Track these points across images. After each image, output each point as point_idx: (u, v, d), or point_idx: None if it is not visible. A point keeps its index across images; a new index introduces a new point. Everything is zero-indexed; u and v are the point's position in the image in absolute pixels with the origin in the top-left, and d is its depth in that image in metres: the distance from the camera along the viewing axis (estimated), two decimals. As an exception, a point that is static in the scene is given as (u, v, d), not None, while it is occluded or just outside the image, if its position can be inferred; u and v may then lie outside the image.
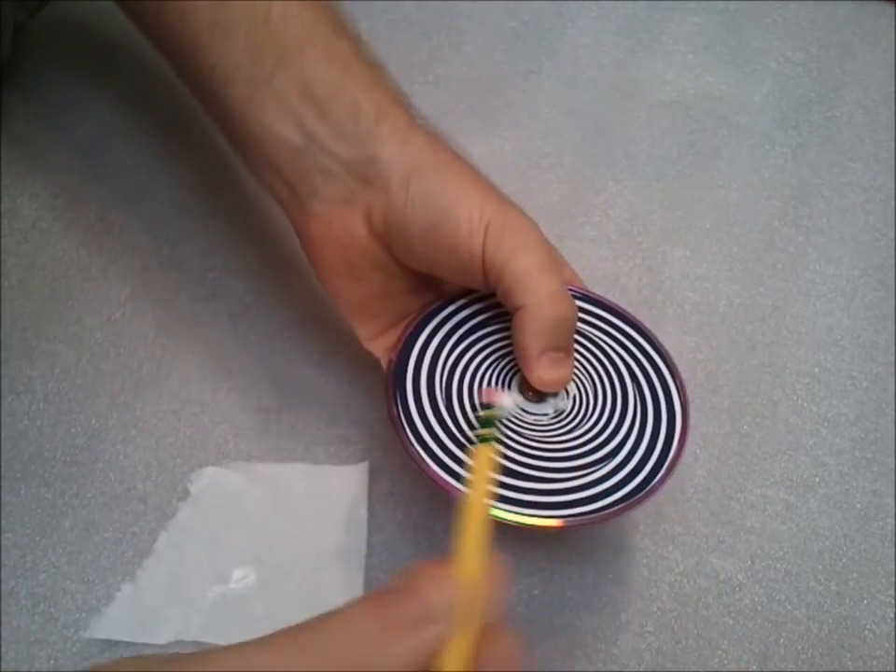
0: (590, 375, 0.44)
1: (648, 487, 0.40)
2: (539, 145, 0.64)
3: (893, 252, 0.60)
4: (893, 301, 0.58)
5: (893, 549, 0.49)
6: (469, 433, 0.41)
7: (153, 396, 0.52)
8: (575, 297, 0.45)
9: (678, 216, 0.61)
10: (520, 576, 0.47)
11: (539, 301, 0.40)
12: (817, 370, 0.55)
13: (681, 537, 0.49)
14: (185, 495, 0.49)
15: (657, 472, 0.41)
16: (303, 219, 0.45)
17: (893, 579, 0.48)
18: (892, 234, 0.61)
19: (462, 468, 0.39)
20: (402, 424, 0.40)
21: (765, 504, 0.50)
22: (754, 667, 0.46)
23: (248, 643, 0.30)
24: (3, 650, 0.44)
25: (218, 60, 0.44)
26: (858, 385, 0.55)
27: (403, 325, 0.45)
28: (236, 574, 0.46)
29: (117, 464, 0.50)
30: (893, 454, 0.52)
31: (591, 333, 0.45)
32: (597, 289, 0.57)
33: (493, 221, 0.41)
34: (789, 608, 0.47)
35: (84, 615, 0.45)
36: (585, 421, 0.43)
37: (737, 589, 0.48)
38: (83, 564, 0.47)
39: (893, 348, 0.56)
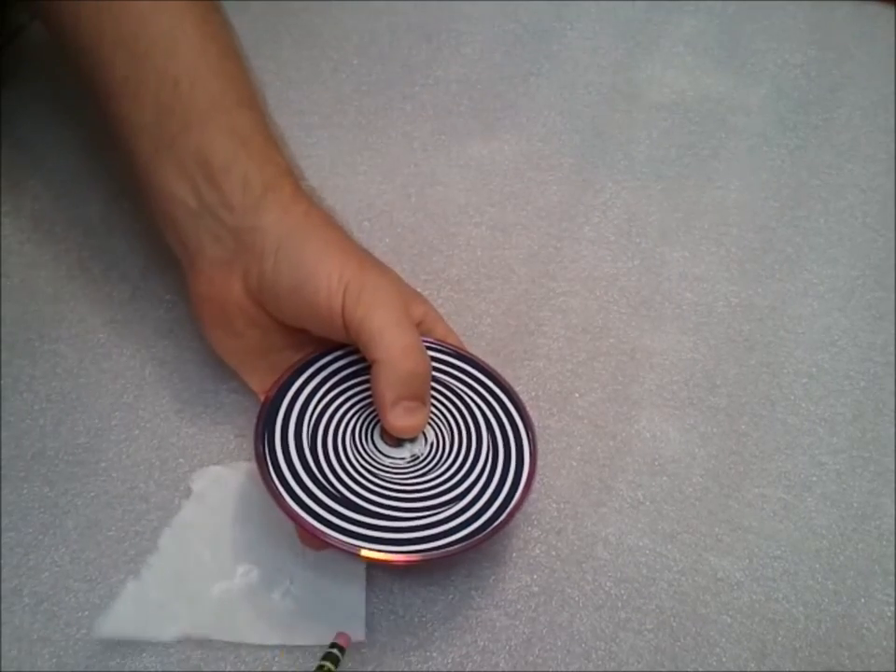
0: (448, 423, 0.47)
1: (487, 529, 0.43)
2: (538, 146, 0.64)
3: (891, 252, 0.60)
4: (891, 302, 0.58)
5: (891, 548, 0.49)
6: (329, 475, 0.44)
7: (156, 396, 0.52)
8: (441, 351, 0.49)
9: (676, 217, 0.62)
10: (519, 573, 0.48)
11: (391, 355, 0.44)
12: (814, 369, 0.55)
13: (680, 535, 0.49)
14: (187, 493, 0.49)
15: (499, 516, 0.44)
16: (191, 274, 0.48)
17: (891, 577, 0.48)
18: (889, 235, 0.61)
19: (318, 505, 0.42)
20: (266, 462, 0.43)
21: (763, 503, 0.51)
22: (752, 666, 0.46)
23: None
24: (5, 648, 0.45)
25: (128, 113, 0.47)
26: (855, 384, 0.55)
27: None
28: (240, 570, 0.46)
29: (119, 463, 0.50)
30: (891, 453, 0.52)
31: (452, 385, 0.48)
32: (597, 290, 0.58)
33: (351, 283, 0.44)
34: (787, 606, 0.48)
35: (87, 613, 0.46)
36: (439, 465, 0.46)
37: (735, 587, 0.48)
38: (86, 562, 0.47)
39: (890, 348, 0.56)
